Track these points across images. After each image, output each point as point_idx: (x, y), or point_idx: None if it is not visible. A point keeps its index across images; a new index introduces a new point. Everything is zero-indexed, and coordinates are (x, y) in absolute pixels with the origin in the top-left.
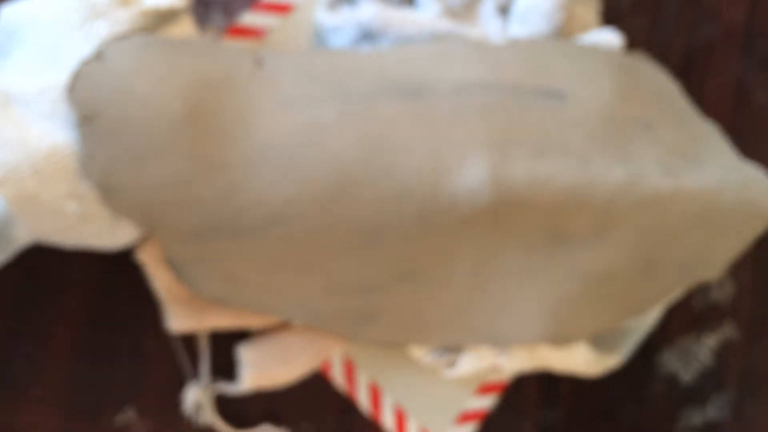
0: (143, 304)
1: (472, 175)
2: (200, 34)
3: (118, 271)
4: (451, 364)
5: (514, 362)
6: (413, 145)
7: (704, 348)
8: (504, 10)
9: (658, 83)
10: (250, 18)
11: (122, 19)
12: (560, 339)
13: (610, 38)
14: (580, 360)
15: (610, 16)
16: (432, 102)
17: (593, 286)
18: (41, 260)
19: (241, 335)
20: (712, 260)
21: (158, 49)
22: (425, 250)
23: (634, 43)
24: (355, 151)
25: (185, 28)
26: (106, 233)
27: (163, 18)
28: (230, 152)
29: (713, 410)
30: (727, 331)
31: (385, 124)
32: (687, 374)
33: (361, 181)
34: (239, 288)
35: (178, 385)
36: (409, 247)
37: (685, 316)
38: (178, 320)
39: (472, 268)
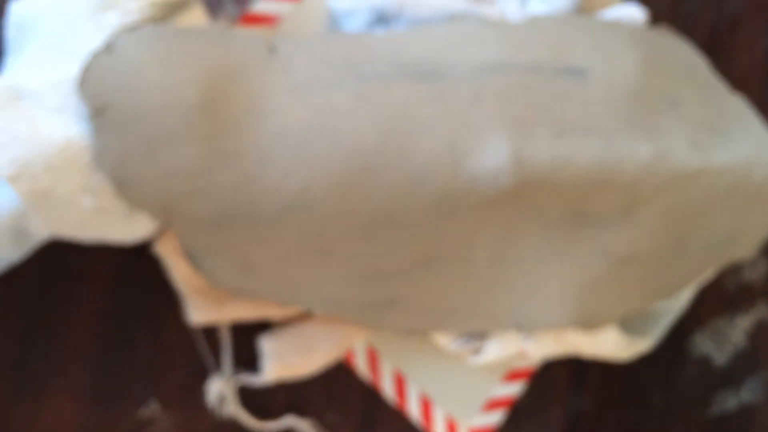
0: (164, 296)
1: (493, 156)
2: (212, 22)
3: (138, 263)
4: (477, 351)
5: (541, 348)
6: (430, 128)
7: (738, 329)
8: None
9: (684, 57)
10: (262, 5)
11: (132, 9)
12: (588, 322)
13: (634, 13)
14: (610, 344)
15: None
16: (449, 84)
17: (620, 266)
18: (60, 254)
19: (263, 326)
20: (744, 239)
21: (169, 39)
22: (446, 234)
23: (658, 18)
24: (371, 134)
25: (196, 17)
26: (122, 226)
27: (173, 7)
28: (245, 140)
29: (747, 393)
30: (761, 311)
31: (400, 107)
32: (720, 357)
33: (377, 165)
34: (257, 277)
35: (200, 377)
36: (429, 232)
37: (718, 298)
38: (198, 312)
39: (494, 252)
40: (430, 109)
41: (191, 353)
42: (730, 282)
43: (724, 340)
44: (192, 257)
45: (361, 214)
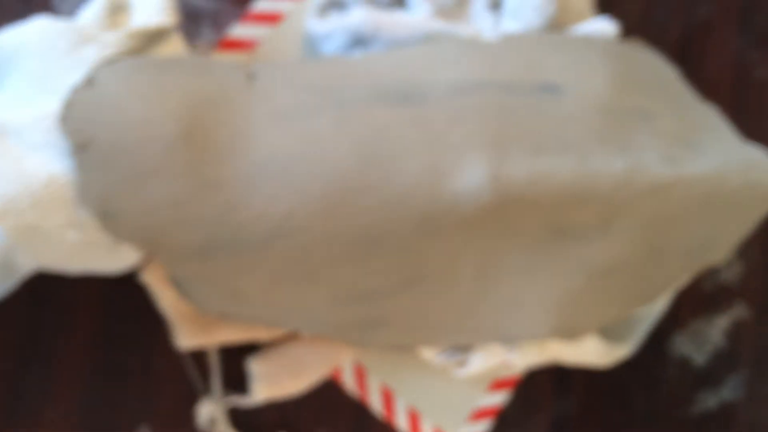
0: (151, 323)
1: (471, 176)
2: (190, 50)
3: (125, 292)
4: (462, 363)
5: (525, 358)
6: (410, 150)
7: (716, 329)
8: (495, 6)
9: (656, 70)
10: (240, 30)
11: (110, 42)
12: (569, 332)
13: (605, 27)
14: (591, 352)
15: (603, 3)
16: (427, 105)
17: (600, 278)
18: (48, 285)
19: (251, 348)
20: (719, 244)
21: (148, 71)
22: (429, 253)
23: (629, 27)
24: (352, 159)
25: (175, 46)
26: (108, 258)
27: (151, 38)
28: (227, 169)
29: (728, 391)
30: (739, 311)
31: (380, 131)
32: (700, 357)
33: (359, 188)
34: (245, 302)
35: (190, 401)
36: (413, 252)
37: (696, 299)
38: (186, 337)
39: (477, 269)
40: (409, 131)
41: (181, 378)
42: (707, 283)
43: (704, 341)
44: (179, 285)
45: (345, 237)
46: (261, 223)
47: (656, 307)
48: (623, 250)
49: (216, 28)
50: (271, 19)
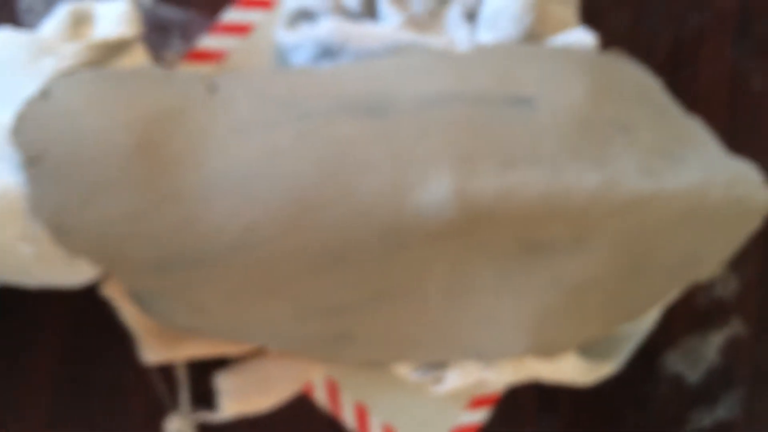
0: (119, 336)
1: (435, 190)
2: (154, 62)
3: (92, 305)
4: (438, 380)
5: (502, 375)
6: (374, 164)
7: (711, 346)
8: (471, 16)
9: (636, 81)
10: (209, 41)
11: (69, 54)
12: (546, 350)
13: (583, 38)
14: (570, 370)
15: (590, 13)
16: (394, 118)
17: (576, 294)
18: (13, 297)
19: (221, 362)
20: (705, 260)
21: (106, 83)
22: (395, 268)
23: (617, 39)
24: (313, 173)
25: (137, 57)
26: (64, 272)
27: (112, 49)
28: (183, 183)
29: (723, 410)
30: (734, 327)
31: (344, 144)
32: (694, 375)
33: (320, 203)
34: (208, 317)
35: (159, 416)
36: (378, 267)
37: (689, 316)
38: (152, 352)
39: (447, 285)
40: (374, 145)
41: (149, 393)
42: (701, 299)
43: (697, 358)
44: (138, 300)
45: (307, 251)
46: (219, 236)
47: (643, 324)
48: (600, 265)
49: (185, 39)
50: (240, 30)
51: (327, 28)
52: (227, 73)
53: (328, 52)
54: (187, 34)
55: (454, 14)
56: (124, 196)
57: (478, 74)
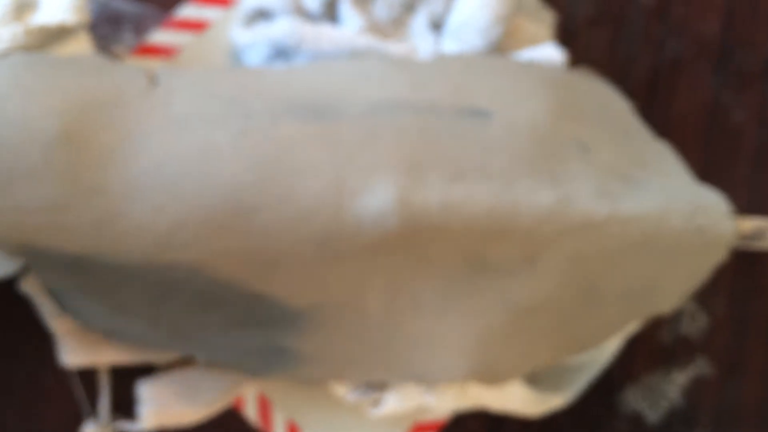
0: (40, 333)
1: (377, 198)
2: (97, 52)
3: (12, 302)
4: (376, 402)
5: (444, 401)
6: (315, 168)
7: (673, 385)
8: (437, 26)
9: (602, 100)
10: (161, 36)
11: (4, 37)
12: (489, 376)
13: (551, 53)
14: (517, 399)
15: (566, 32)
16: (341, 123)
17: (523, 317)
18: None
19: (145, 369)
20: (665, 291)
21: (38, 68)
22: (332, 280)
23: (592, 60)
24: (249, 174)
25: (80, 46)
26: None
27: (54, 36)
28: (109, 176)
29: None
30: (699, 367)
31: (284, 146)
32: (654, 414)
33: (254, 205)
34: (130, 321)
35: (77, 421)
36: (314, 278)
37: (652, 351)
38: (72, 354)
39: (387, 300)
40: (317, 149)
41: (69, 396)
42: (665, 335)
43: (659, 397)
44: (56, 297)
45: (236, 256)
46: (142, 235)
47: (600, 356)
48: (549, 288)
49: (137, 32)
50: (195, 26)
51: (282, 28)
52: (172, 67)
53: (281, 53)
54: (140, 27)
55: (419, 23)
56: (44, 185)
57: (433, 83)
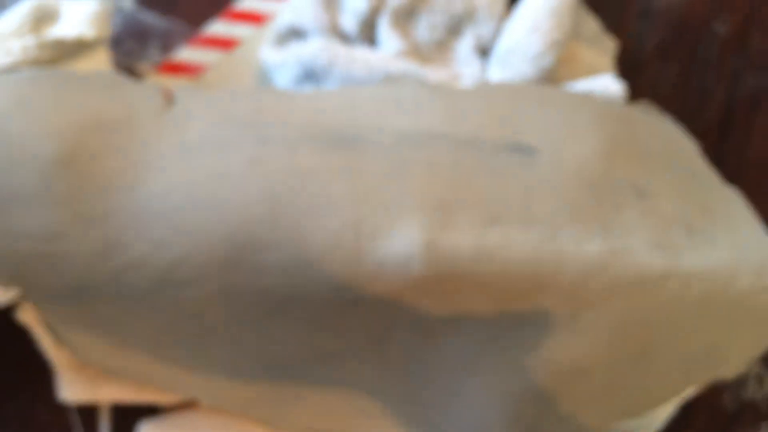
0: (36, 367)
1: (402, 240)
2: (120, 70)
3: (8, 332)
4: None
5: None
6: (334, 203)
7: None
8: (484, 52)
9: (665, 141)
10: (188, 53)
11: (15, 50)
12: None
13: (610, 85)
14: None
15: (631, 63)
16: (367, 153)
17: (564, 380)
18: None
19: (150, 410)
20: (727, 356)
21: (45, 85)
22: (349, 326)
23: (660, 95)
24: (261, 206)
25: (97, 61)
26: None
27: (69, 50)
28: (112, 203)
29: None
30: None
31: (302, 177)
32: None
33: (265, 241)
34: (130, 358)
35: None
36: (329, 322)
37: (713, 418)
38: (71, 389)
39: (410, 352)
40: (337, 181)
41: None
42: (728, 400)
43: None
44: (55, 330)
45: (244, 295)
46: (144, 269)
47: (652, 422)
48: (595, 349)
49: (164, 49)
50: (224, 44)
51: (312, 48)
52: (191, 87)
53: (311, 74)
54: (167, 43)
55: (464, 47)
56: (40, 210)
57: (473, 114)
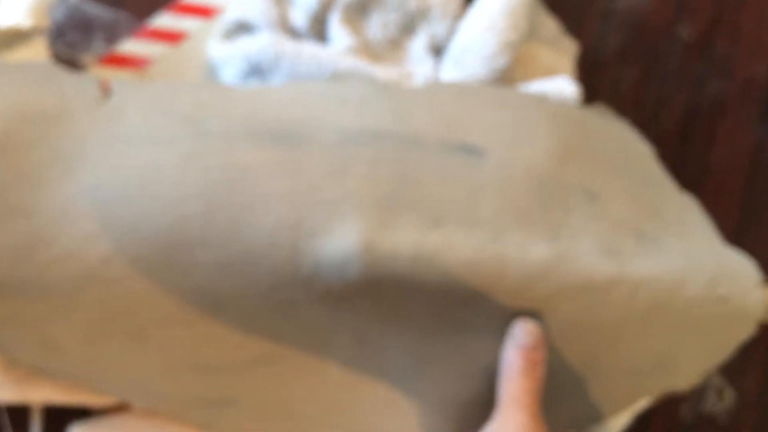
0: None
1: (340, 241)
2: (60, 62)
3: None
4: None
5: None
6: (271, 200)
7: None
8: (438, 51)
9: (619, 144)
10: (133, 46)
11: None
12: None
13: (564, 87)
14: None
15: (591, 66)
16: (309, 150)
17: None
18: None
19: (83, 412)
20: (680, 368)
21: None
22: (287, 328)
23: (620, 98)
24: (196, 202)
25: (35, 51)
26: None
27: (6, 39)
28: (40, 196)
29: None
30: None
31: (239, 173)
32: None
33: (198, 239)
34: (61, 357)
35: None
36: (266, 324)
37: (670, 430)
38: (0, 389)
39: (350, 357)
40: (276, 178)
41: None
42: (686, 413)
43: None
44: None
45: (176, 295)
46: (70, 265)
47: None
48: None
49: (109, 41)
50: (170, 37)
51: (259, 42)
52: (130, 79)
53: (257, 70)
54: (112, 35)
55: (417, 46)
56: None
57: (420, 113)
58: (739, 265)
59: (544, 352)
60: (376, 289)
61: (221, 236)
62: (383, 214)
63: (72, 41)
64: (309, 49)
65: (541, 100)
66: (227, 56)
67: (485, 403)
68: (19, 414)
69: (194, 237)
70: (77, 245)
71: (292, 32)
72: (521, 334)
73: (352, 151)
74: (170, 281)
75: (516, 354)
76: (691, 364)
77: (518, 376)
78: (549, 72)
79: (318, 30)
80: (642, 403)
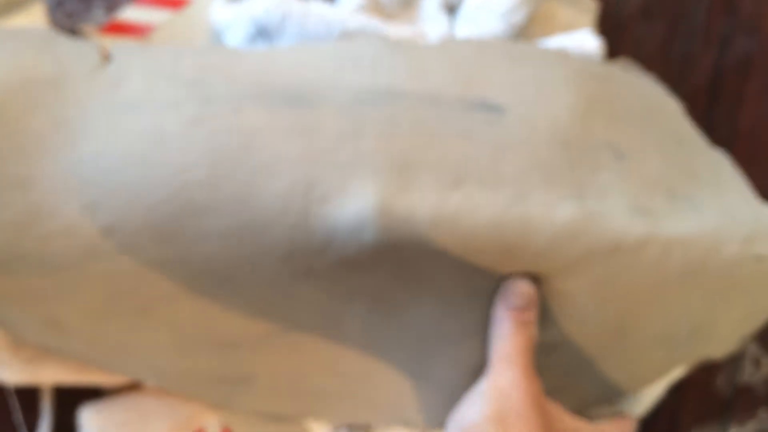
0: None
1: (353, 204)
2: (63, 31)
3: None
4: None
5: None
6: (281, 165)
7: None
8: (452, 8)
9: (648, 100)
10: (134, 12)
11: None
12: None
13: (586, 42)
14: None
15: (614, 23)
16: (321, 112)
17: (539, 357)
18: None
19: (94, 392)
20: (716, 333)
21: None
22: (302, 298)
23: (644, 57)
24: (201, 168)
25: (33, 18)
26: None
27: (3, 6)
28: (36, 167)
29: None
30: (763, 422)
31: (247, 137)
32: None
33: (205, 207)
34: (66, 335)
35: None
36: (279, 295)
37: (705, 402)
38: (9, 370)
39: (369, 327)
40: (286, 141)
41: (6, 418)
42: (722, 383)
43: None
44: None
45: (183, 267)
46: (70, 237)
47: (636, 407)
48: (569, 322)
49: (109, 8)
50: (172, 3)
51: (265, 3)
52: (132, 44)
53: (264, 32)
54: (112, 3)
55: (430, 3)
56: None
57: (436, 71)
58: None
59: (534, 313)
60: (393, 255)
61: (230, 203)
62: (400, 176)
63: (71, 10)
64: (317, 8)
65: (563, 55)
66: (232, 19)
67: None
68: (29, 398)
69: (201, 205)
70: (77, 216)
71: None
72: (512, 296)
73: (366, 111)
74: (176, 253)
75: (507, 315)
76: (727, 329)
77: (509, 334)
78: (568, 30)
79: None
80: (676, 373)
